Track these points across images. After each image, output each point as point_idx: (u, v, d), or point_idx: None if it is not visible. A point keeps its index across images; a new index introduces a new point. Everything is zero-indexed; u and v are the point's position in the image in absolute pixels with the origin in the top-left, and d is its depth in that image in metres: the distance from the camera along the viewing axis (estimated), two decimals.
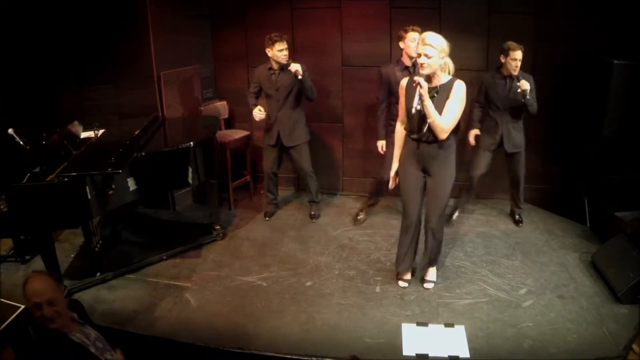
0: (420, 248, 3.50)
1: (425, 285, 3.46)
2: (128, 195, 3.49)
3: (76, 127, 3.80)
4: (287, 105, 4.13)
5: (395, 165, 3.31)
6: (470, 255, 3.87)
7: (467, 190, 4.33)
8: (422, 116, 2.97)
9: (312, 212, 4.55)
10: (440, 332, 3.01)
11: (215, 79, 5.13)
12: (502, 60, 3.83)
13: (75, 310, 2.19)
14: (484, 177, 4.21)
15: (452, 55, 2.96)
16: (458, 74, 3.04)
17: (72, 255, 3.94)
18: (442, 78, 2.97)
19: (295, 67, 3.90)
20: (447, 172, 3.16)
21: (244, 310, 3.27)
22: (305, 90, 4.03)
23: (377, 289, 3.46)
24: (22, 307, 2.98)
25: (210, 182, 4.09)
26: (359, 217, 4.43)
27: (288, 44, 4.00)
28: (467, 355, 2.82)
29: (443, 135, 2.98)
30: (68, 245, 4.08)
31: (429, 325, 3.07)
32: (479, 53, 4.41)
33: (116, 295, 3.44)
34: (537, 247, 3.97)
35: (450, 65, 2.98)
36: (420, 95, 2.89)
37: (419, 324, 3.09)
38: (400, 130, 3.25)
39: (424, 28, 3.52)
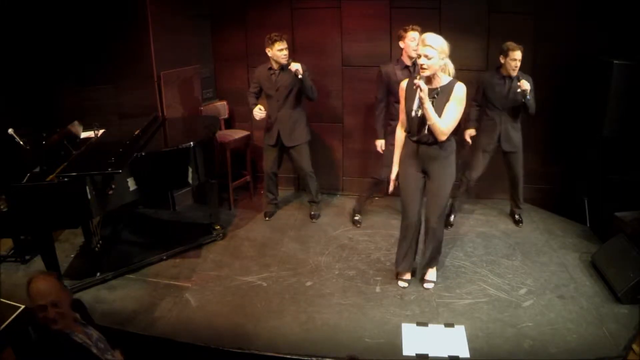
0: (420, 248, 3.51)
1: (425, 285, 3.46)
2: (128, 195, 3.49)
3: (76, 127, 3.80)
4: (287, 105, 4.13)
5: (395, 169, 3.31)
6: (470, 255, 3.87)
7: (464, 192, 4.31)
8: (422, 119, 2.97)
9: (312, 212, 4.55)
10: (440, 332, 3.01)
11: (215, 79, 5.13)
12: (502, 61, 3.83)
13: (77, 311, 2.19)
14: (481, 177, 4.20)
15: (452, 55, 2.95)
16: (458, 73, 3.04)
17: (72, 255, 3.94)
18: (442, 79, 2.97)
19: (295, 66, 3.90)
20: (447, 173, 3.16)
21: (244, 310, 3.27)
22: (306, 89, 4.03)
23: (377, 289, 3.46)
24: (22, 307, 2.98)
25: (210, 182, 4.09)
26: (355, 218, 4.42)
27: (288, 44, 4.00)
28: (467, 355, 2.82)
29: (443, 137, 2.98)
30: (68, 245, 4.08)
31: (429, 325, 3.07)
32: (479, 53, 4.41)
33: (116, 295, 3.43)
34: (537, 247, 3.97)
35: (450, 67, 2.98)
36: (421, 99, 2.89)
37: (419, 324, 3.09)
38: (400, 134, 3.25)
39: (424, 28, 3.54)
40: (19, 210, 3.03)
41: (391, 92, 3.85)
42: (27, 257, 3.81)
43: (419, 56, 2.90)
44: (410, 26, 3.77)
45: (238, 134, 4.82)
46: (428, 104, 2.89)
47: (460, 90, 2.94)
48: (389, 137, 3.93)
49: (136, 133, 3.76)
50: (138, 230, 4.41)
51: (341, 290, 3.46)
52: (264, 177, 4.52)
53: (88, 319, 2.25)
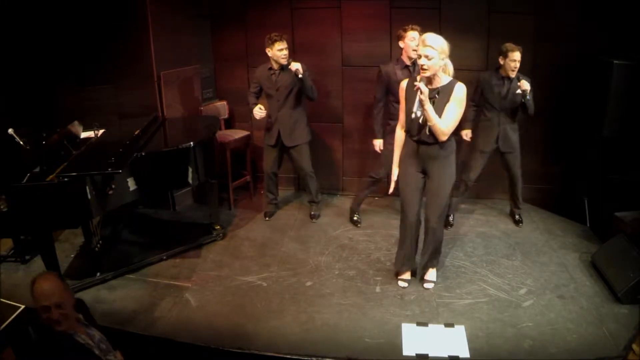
0: (420, 248, 3.50)
1: (425, 285, 3.46)
2: (128, 195, 3.49)
3: (76, 127, 3.80)
4: (287, 105, 4.13)
5: (395, 171, 3.31)
6: (470, 255, 3.87)
7: (462, 193, 4.31)
8: (422, 120, 2.97)
9: (312, 212, 4.55)
10: (440, 332, 3.01)
11: (215, 79, 5.13)
12: (501, 62, 3.83)
13: (80, 311, 2.19)
14: (480, 178, 4.20)
15: (452, 55, 2.95)
16: (457, 73, 3.04)
17: (72, 255, 3.94)
18: (442, 79, 2.97)
19: (296, 65, 3.91)
20: (447, 173, 3.16)
21: (244, 310, 3.27)
22: (306, 89, 4.03)
23: (377, 289, 3.46)
24: (22, 307, 2.98)
25: (210, 182, 4.09)
26: (354, 218, 4.42)
27: (288, 44, 4.00)
28: (467, 355, 2.82)
29: (443, 137, 2.98)
30: (68, 245, 4.08)
31: (429, 325, 3.07)
32: (479, 53, 4.41)
33: (116, 295, 3.43)
34: (537, 247, 3.97)
35: (450, 67, 2.98)
36: (421, 101, 2.89)
37: (419, 324, 3.09)
38: (400, 133, 3.25)
39: (424, 28, 3.54)
40: (19, 210, 3.03)
41: (391, 92, 3.85)
42: (27, 257, 3.81)
43: (419, 57, 2.90)
44: (410, 26, 3.76)
45: (238, 134, 4.82)
46: (428, 106, 2.89)
47: (460, 91, 2.94)
48: (388, 136, 3.93)
49: (136, 133, 3.76)
50: (138, 230, 4.41)
51: (341, 290, 3.46)
52: (264, 177, 4.51)
53: (90, 320, 2.25)
